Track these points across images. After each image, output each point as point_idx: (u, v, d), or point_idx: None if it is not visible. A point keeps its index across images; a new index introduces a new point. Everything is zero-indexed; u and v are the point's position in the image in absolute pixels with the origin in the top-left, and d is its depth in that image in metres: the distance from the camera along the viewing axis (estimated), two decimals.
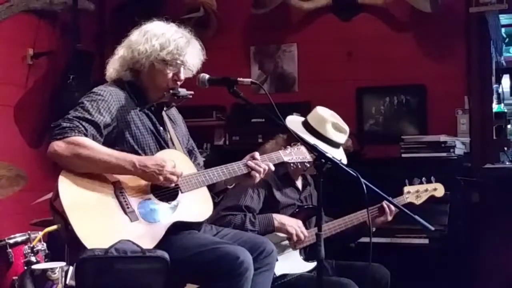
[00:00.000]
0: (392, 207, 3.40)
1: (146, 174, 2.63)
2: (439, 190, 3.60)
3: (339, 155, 3.46)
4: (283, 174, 3.44)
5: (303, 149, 3.09)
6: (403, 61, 5.12)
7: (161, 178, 2.63)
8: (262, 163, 2.88)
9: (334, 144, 3.44)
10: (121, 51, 2.86)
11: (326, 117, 3.47)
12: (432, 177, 3.58)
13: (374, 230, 3.47)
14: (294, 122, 3.45)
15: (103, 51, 5.51)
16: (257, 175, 2.86)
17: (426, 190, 3.56)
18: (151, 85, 2.86)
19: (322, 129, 3.43)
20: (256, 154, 2.90)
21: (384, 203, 3.41)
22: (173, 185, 2.69)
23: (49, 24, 5.14)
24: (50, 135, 2.62)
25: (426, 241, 4.07)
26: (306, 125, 3.47)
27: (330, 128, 3.44)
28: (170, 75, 2.84)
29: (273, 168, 2.94)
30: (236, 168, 2.85)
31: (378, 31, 5.23)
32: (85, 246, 2.46)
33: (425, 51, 5.12)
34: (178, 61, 2.83)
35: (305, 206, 3.50)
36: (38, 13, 5.01)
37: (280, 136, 3.49)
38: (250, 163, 2.86)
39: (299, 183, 3.58)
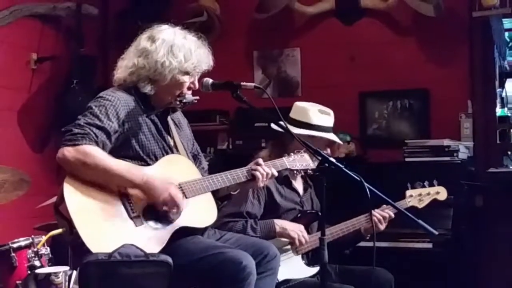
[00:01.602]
0: (379, 215, 3.38)
1: (150, 190, 2.63)
2: (441, 193, 3.58)
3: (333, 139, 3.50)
4: (283, 178, 3.43)
5: (306, 156, 3.11)
6: (406, 65, 5.12)
7: (160, 201, 2.63)
8: (266, 168, 2.89)
9: (325, 129, 3.46)
10: (135, 60, 2.81)
11: (306, 106, 3.52)
12: (434, 181, 3.57)
13: (368, 237, 3.46)
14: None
15: (106, 56, 5.53)
16: (261, 179, 2.86)
17: (429, 194, 3.55)
18: (165, 93, 2.84)
19: (307, 118, 3.46)
20: (260, 160, 2.91)
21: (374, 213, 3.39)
22: (174, 210, 2.67)
23: (53, 29, 5.15)
24: (60, 140, 2.62)
25: (429, 245, 4.06)
26: (291, 121, 3.47)
27: (314, 113, 3.47)
28: (187, 83, 2.84)
29: (276, 173, 2.94)
30: (240, 174, 2.85)
31: (381, 35, 5.24)
32: (90, 250, 2.47)
33: (428, 55, 5.12)
34: (198, 70, 2.84)
35: (307, 211, 3.49)
36: (42, 18, 5.03)
37: (270, 142, 3.52)
38: (254, 167, 2.87)
39: (299, 186, 3.57)
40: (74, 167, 2.58)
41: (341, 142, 3.58)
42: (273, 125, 3.43)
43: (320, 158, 2.65)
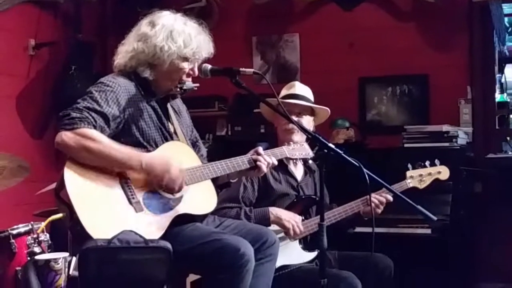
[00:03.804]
0: (377, 201, 3.38)
1: (150, 175, 2.63)
2: (443, 173, 3.53)
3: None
4: (278, 162, 3.42)
5: (305, 145, 3.15)
6: (405, 51, 5.11)
7: (163, 182, 2.63)
8: (267, 157, 2.89)
9: (284, 98, 3.48)
10: (134, 44, 2.80)
11: (288, 85, 3.60)
12: (436, 160, 3.55)
13: (366, 218, 3.46)
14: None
15: (105, 42, 5.52)
16: (263, 167, 2.86)
17: (430, 174, 3.50)
18: (164, 79, 2.83)
19: (293, 90, 3.53)
20: (260, 149, 2.90)
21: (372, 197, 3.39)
22: (176, 192, 2.67)
23: (51, 14, 5.14)
24: (59, 124, 2.60)
25: (428, 231, 4.06)
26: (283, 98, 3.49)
27: (299, 85, 3.56)
28: (187, 70, 2.83)
29: (276, 162, 2.95)
30: (240, 162, 2.85)
31: (380, 21, 5.22)
32: (90, 235, 2.46)
33: (427, 41, 5.11)
34: (197, 57, 2.83)
35: (303, 196, 3.49)
36: (40, 3, 5.01)
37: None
38: (255, 157, 2.87)
39: (298, 171, 3.56)
40: (73, 151, 2.56)
41: (307, 103, 3.53)
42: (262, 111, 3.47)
43: (316, 142, 2.65)
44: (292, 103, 3.45)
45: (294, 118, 3.34)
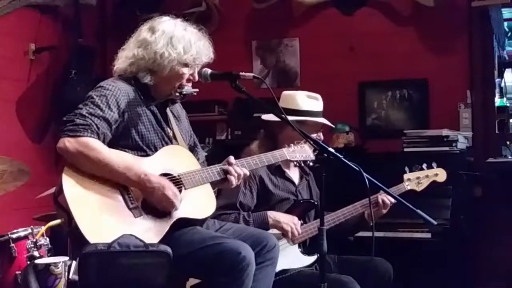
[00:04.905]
0: (387, 201, 3.38)
1: (147, 189, 2.63)
2: (440, 175, 3.53)
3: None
4: (275, 168, 3.41)
5: (306, 147, 3.11)
6: (405, 55, 5.12)
7: (158, 199, 2.63)
8: (237, 168, 2.83)
9: (314, 114, 3.45)
10: (134, 51, 2.82)
11: (294, 93, 3.51)
12: (433, 163, 3.55)
13: (371, 224, 3.45)
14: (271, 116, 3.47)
15: (105, 46, 5.53)
16: (232, 180, 2.81)
17: (427, 176, 3.50)
18: (164, 84, 2.84)
19: (295, 104, 3.44)
20: (231, 158, 2.86)
21: (379, 197, 3.39)
22: (176, 205, 2.66)
23: (51, 19, 5.14)
24: (62, 130, 2.61)
25: (428, 235, 4.06)
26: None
27: (302, 99, 3.45)
28: (187, 75, 2.84)
29: (248, 173, 2.89)
30: (211, 173, 2.81)
31: (380, 25, 5.23)
32: (88, 241, 2.46)
33: (427, 45, 5.11)
34: (197, 62, 2.84)
35: (301, 201, 3.48)
36: (40, 8, 5.02)
37: (261, 133, 3.50)
38: (226, 167, 2.82)
39: (294, 175, 3.55)
40: (74, 159, 2.58)
41: (332, 125, 3.57)
42: (264, 116, 3.45)
43: (316, 146, 2.65)
44: (323, 122, 3.48)
45: (315, 135, 3.35)
